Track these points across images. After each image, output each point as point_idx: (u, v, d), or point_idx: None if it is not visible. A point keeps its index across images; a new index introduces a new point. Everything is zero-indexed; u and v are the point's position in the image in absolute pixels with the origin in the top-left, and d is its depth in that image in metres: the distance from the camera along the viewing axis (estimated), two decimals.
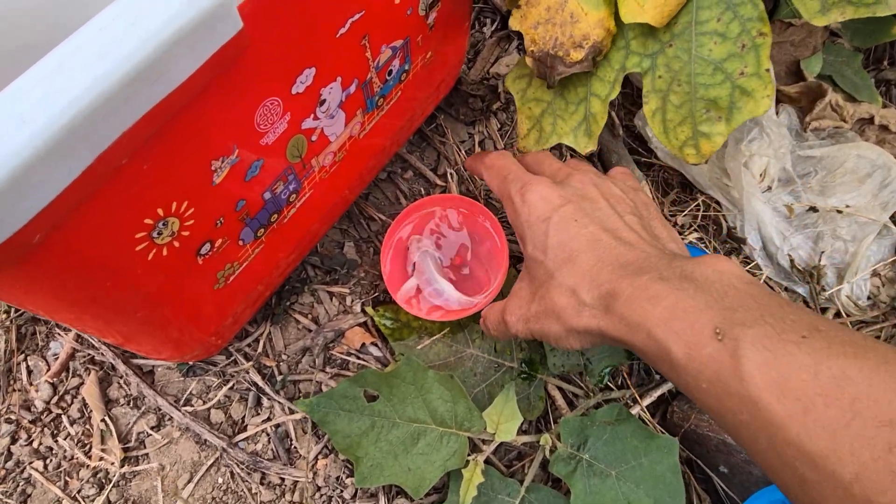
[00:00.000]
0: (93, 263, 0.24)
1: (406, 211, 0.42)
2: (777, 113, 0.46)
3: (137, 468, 0.38)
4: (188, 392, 0.40)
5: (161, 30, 0.19)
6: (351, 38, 0.30)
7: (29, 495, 0.38)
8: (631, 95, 0.53)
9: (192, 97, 0.22)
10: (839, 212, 0.44)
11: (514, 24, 0.34)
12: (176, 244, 0.27)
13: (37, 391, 0.40)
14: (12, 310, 0.41)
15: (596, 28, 0.32)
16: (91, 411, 0.39)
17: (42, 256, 0.21)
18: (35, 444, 0.39)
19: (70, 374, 0.41)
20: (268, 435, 0.40)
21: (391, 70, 0.37)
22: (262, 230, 0.34)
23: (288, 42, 0.26)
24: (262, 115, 0.27)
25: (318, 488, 0.39)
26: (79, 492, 0.38)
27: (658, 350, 0.25)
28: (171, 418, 0.40)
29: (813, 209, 0.45)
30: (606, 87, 0.35)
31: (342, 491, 0.39)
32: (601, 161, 0.50)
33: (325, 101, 0.32)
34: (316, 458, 0.39)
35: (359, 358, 0.42)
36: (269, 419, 0.40)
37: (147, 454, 0.39)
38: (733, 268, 0.26)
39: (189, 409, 0.40)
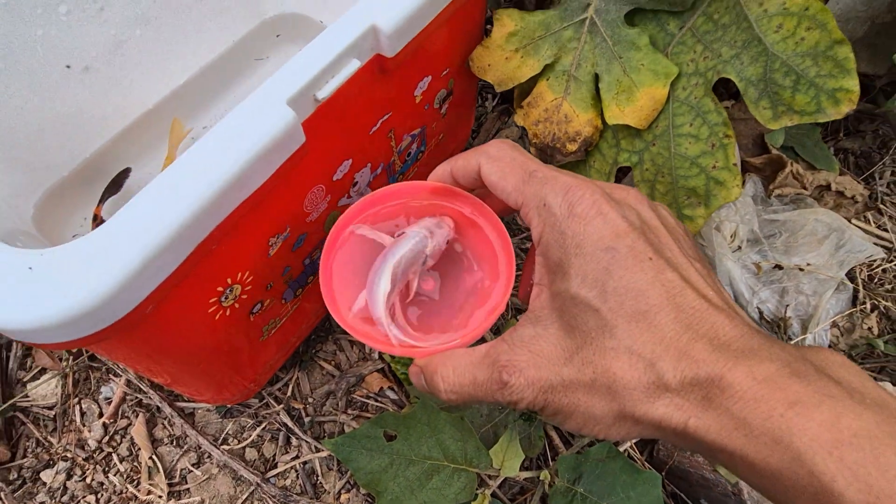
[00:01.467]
0: (176, 325, 0.29)
1: (386, 194, 0.30)
2: (743, 183, 0.52)
3: (181, 502, 0.43)
4: (225, 432, 0.45)
5: (249, 151, 0.25)
6: (380, 133, 0.37)
7: None
8: None
9: (263, 194, 0.28)
10: (801, 269, 0.50)
11: (518, 120, 0.41)
12: (236, 305, 0.33)
13: (90, 431, 0.45)
14: (70, 358, 0.47)
15: (586, 126, 0.39)
16: (139, 449, 0.44)
17: (146, 322, 0.26)
18: (88, 480, 0.43)
19: (119, 416, 0.45)
20: (296, 471, 0.44)
21: (410, 152, 0.43)
22: (300, 290, 0.40)
23: (333, 143, 0.32)
24: (310, 200, 0.34)
25: None
26: None
27: (810, 483, 0.18)
28: (210, 456, 0.44)
29: (778, 267, 0.51)
30: (603, 178, 0.41)
31: None
32: None
33: (357, 182, 0.38)
34: (339, 493, 0.44)
35: (377, 401, 0.47)
36: (297, 457, 0.45)
37: (189, 489, 0.43)
38: (851, 362, 0.21)
39: (226, 447, 0.44)
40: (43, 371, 0.48)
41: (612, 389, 0.22)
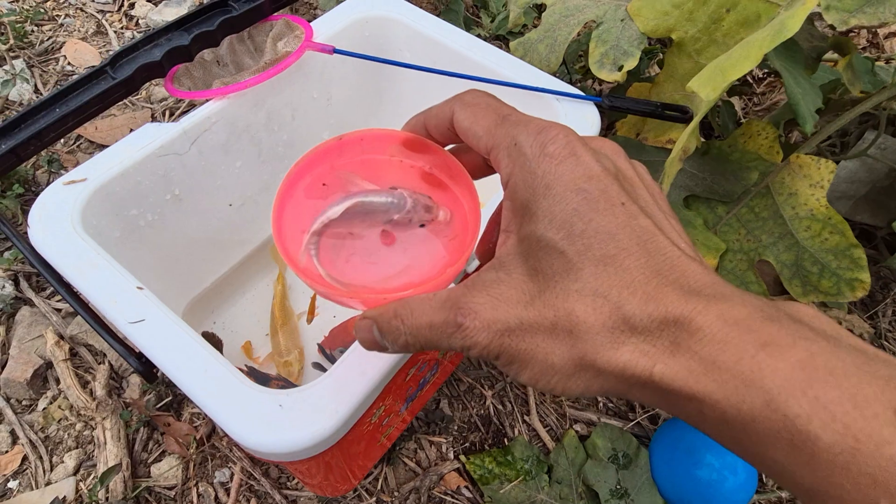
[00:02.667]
0: (348, 438, 0.37)
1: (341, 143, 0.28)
2: None
3: None
4: None
5: None
6: None
7: None
8: None
9: None
10: None
11: None
12: (376, 420, 0.41)
13: None
14: (195, 446, 0.54)
15: None
16: None
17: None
18: None
19: (231, 500, 0.52)
20: None
21: None
22: (410, 402, 0.48)
23: None
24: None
25: None
26: None
27: (784, 427, 0.17)
28: None
29: None
30: None
31: None
32: None
33: None
34: None
35: (454, 497, 0.54)
36: None
37: None
38: (825, 315, 0.20)
39: None
40: (163, 454, 0.55)
41: (573, 333, 0.20)
